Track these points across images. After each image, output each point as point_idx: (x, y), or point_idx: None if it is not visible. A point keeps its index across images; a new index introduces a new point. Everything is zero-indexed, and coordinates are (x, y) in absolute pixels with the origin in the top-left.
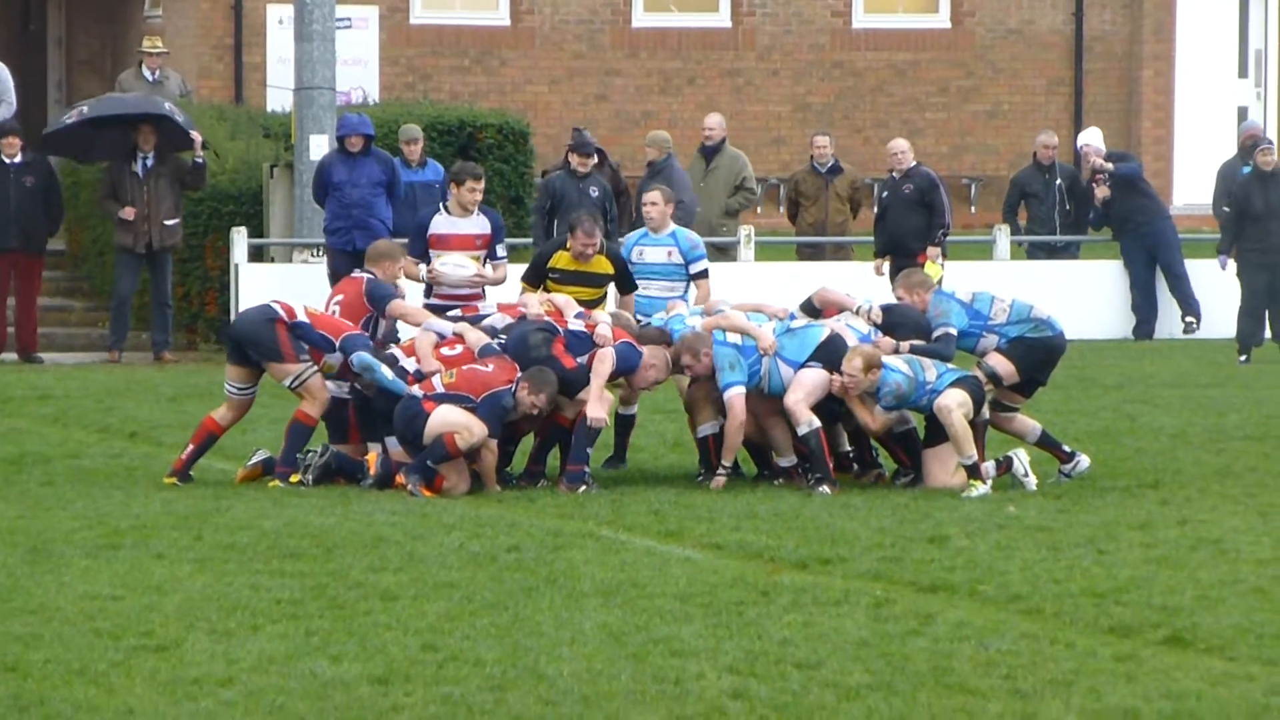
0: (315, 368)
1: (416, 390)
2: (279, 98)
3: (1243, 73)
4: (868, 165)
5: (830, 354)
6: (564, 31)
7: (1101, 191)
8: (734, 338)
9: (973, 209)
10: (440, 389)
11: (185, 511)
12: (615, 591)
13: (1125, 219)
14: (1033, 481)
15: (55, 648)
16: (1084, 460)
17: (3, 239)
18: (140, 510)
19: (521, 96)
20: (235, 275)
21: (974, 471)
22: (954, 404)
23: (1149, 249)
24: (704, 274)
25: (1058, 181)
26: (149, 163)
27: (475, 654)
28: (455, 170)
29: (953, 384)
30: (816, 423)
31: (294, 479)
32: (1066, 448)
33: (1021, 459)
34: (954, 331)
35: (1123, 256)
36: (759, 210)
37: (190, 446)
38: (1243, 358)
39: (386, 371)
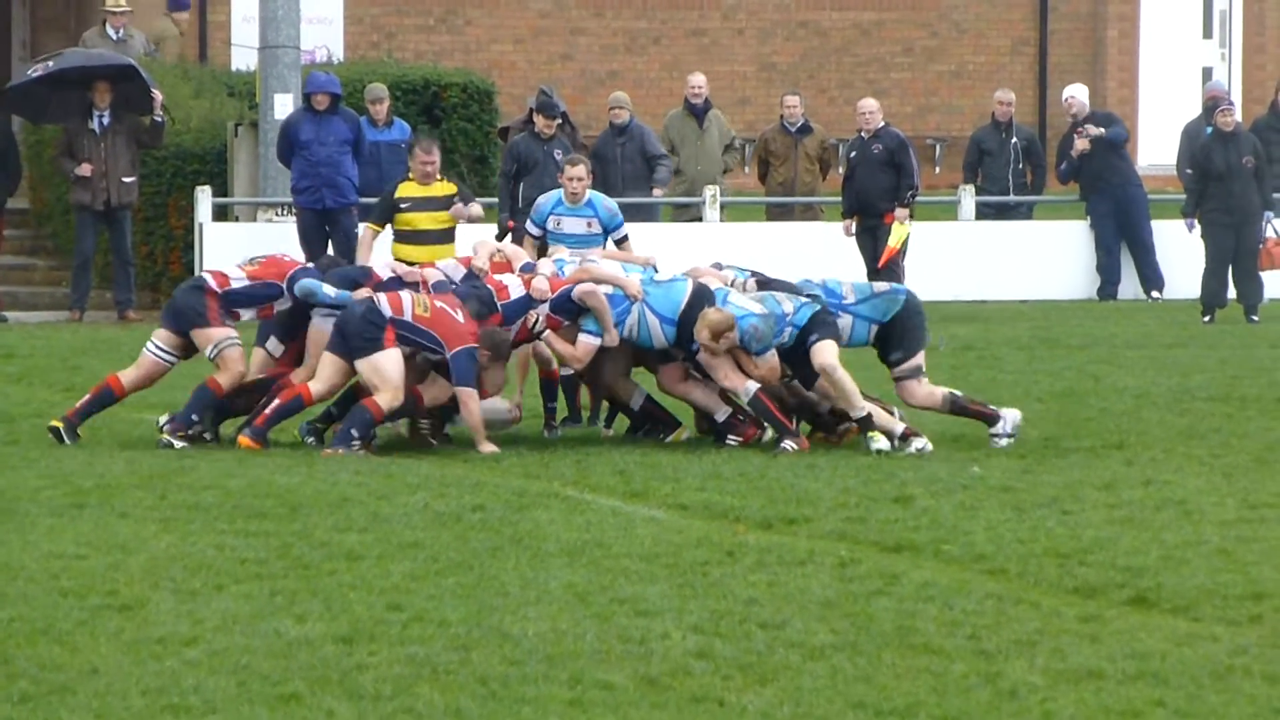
0: (234, 339)
1: (386, 307)
2: (243, 56)
3: (1207, 33)
4: (833, 126)
5: (700, 308)
6: None
7: (1081, 145)
8: (604, 288)
9: (937, 169)
10: (409, 316)
11: (150, 471)
12: (580, 551)
13: (1098, 178)
14: (1003, 442)
15: (19, 606)
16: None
17: None
18: (104, 469)
19: (486, 56)
20: (199, 234)
21: (866, 424)
22: (830, 361)
23: (1118, 213)
24: (625, 238)
25: (1014, 140)
26: (105, 120)
27: (440, 614)
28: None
29: (813, 327)
30: (753, 386)
31: (179, 440)
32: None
33: (1008, 418)
34: (821, 295)
35: (1089, 215)
36: (746, 170)
37: (86, 397)
38: (1206, 318)
39: (329, 289)
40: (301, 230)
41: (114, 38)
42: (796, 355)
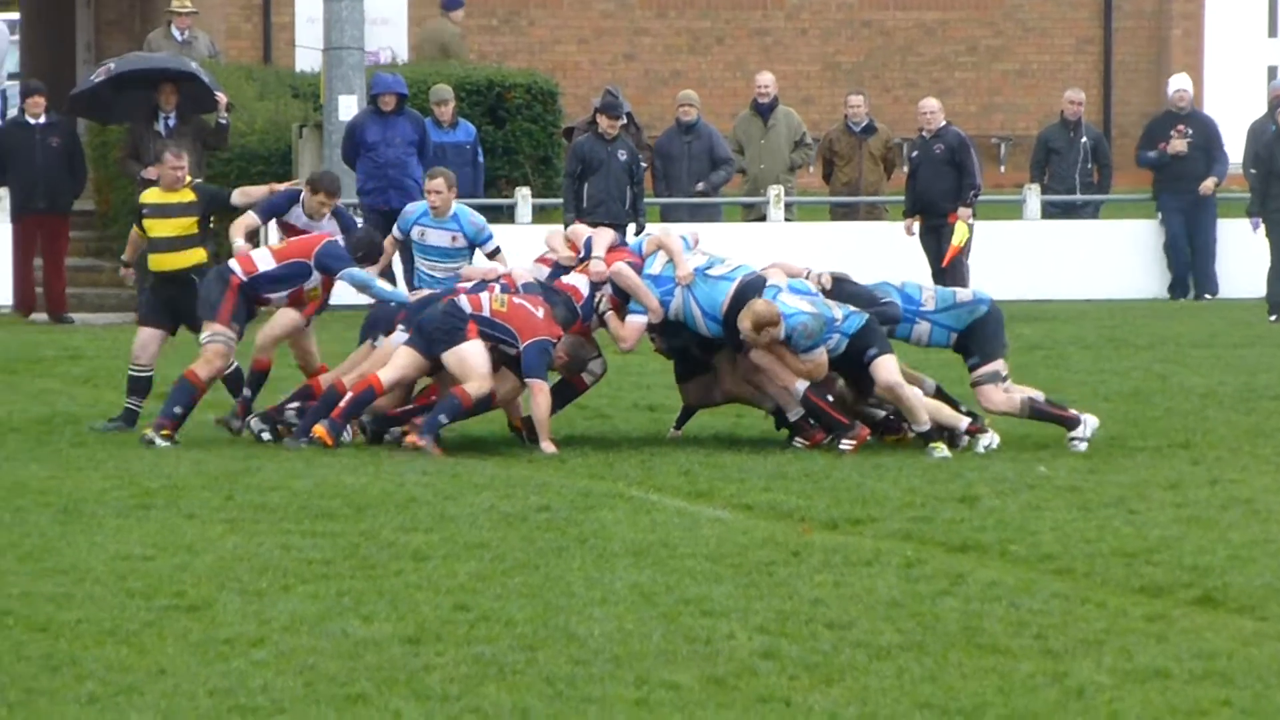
0: (228, 337)
1: (466, 304)
2: (307, 58)
3: (1272, 32)
4: (897, 125)
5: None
6: None
7: (1179, 145)
8: (661, 262)
9: (1002, 168)
10: (488, 312)
11: (216, 472)
12: (646, 552)
13: (1179, 179)
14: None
15: (87, 608)
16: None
17: (29, 200)
18: (171, 470)
19: (550, 56)
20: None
21: (930, 436)
22: (894, 379)
23: (1188, 215)
24: (497, 250)
25: (1083, 139)
26: (171, 122)
27: (506, 614)
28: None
29: (867, 339)
30: (803, 385)
31: (164, 433)
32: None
33: (1088, 423)
34: (898, 301)
35: (1161, 212)
36: (811, 169)
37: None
38: (1273, 317)
39: (383, 284)
40: None
41: (179, 39)
42: (850, 363)
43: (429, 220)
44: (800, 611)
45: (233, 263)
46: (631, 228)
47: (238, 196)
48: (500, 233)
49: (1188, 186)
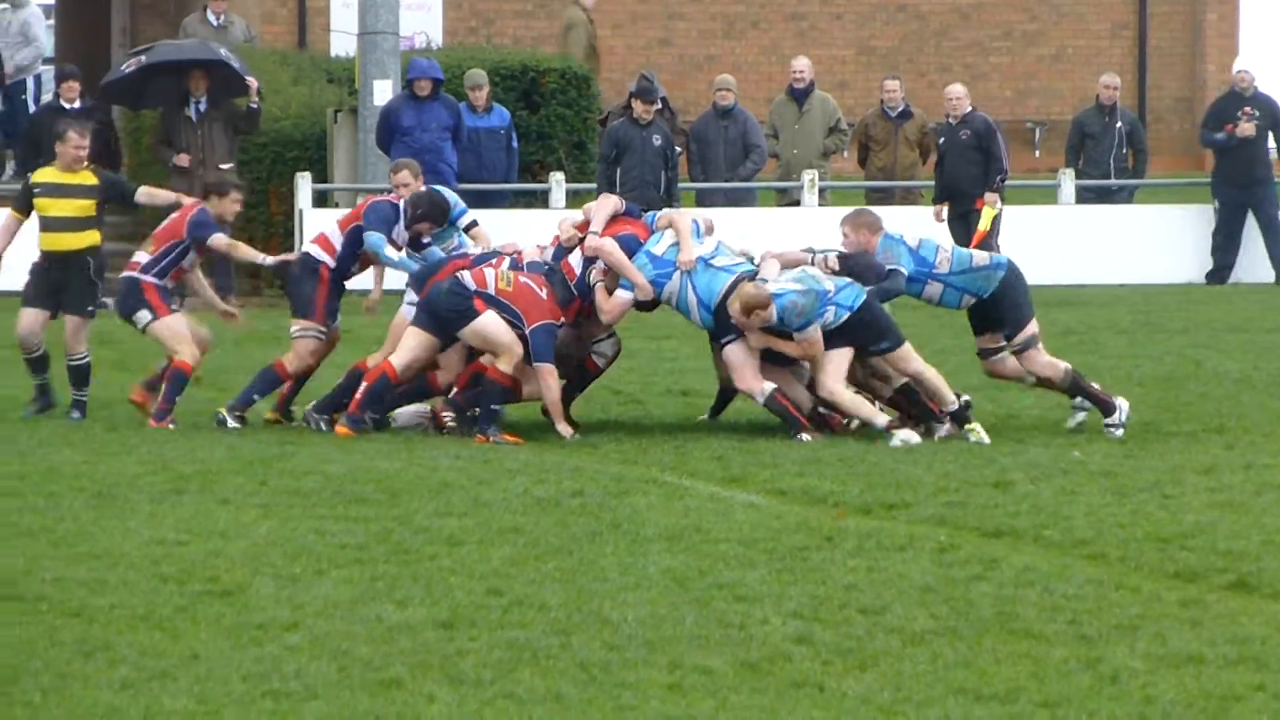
0: (318, 332)
1: (470, 281)
2: (342, 42)
3: None
4: (933, 109)
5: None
6: None
7: (1247, 129)
8: (667, 243)
9: (1037, 153)
10: (493, 290)
11: (250, 456)
12: (679, 537)
13: (1241, 162)
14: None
15: (120, 593)
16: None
17: None
18: (205, 455)
19: None
20: (299, 220)
21: (958, 416)
22: (917, 366)
23: (1249, 198)
24: (474, 224)
25: (1118, 124)
26: (202, 108)
27: (540, 598)
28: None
29: (869, 326)
30: (769, 388)
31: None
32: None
33: (1122, 408)
34: (904, 270)
35: (1216, 197)
36: (845, 154)
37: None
38: None
39: (390, 251)
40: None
41: (214, 24)
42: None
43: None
44: (834, 597)
45: (314, 248)
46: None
47: (143, 195)
48: (534, 218)
49: (1250, 173)
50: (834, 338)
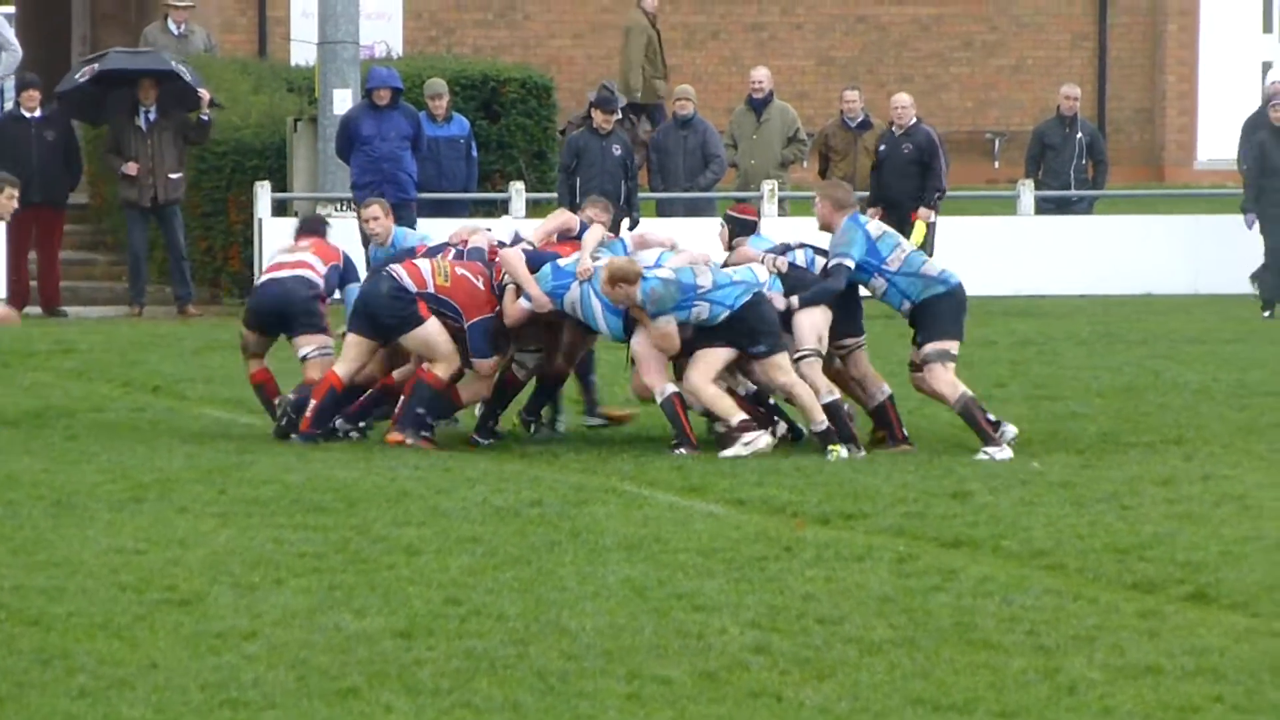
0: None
1: (409, 281)
2: (302, 52)
3: (1267, 28)
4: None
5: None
6: None
7: None
8: (570, 260)
9: (996, 164)
10: (432, 288)
11: (209, 465)
12: (638, 546)
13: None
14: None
15: (79, 601)
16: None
17: (25, 193)
18: (164, 464)
19: (545, 50)
20: (259, 229)
21: (825, 438)
22: (783, 374)
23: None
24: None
25: (1078, 135)
26: (151, 117)
27: (498, 608)
28: None
29: (753, 326)
30: (669, 389)
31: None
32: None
33: (1006, 433)
34: (849, 264)
35: (1262, 217)
36: (804, 165)
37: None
38: (1266, 313)
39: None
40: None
41: (175, 33)
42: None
43: (379, 253)
44: (792, 606)
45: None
46: (625, 222)
47: None
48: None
49: None
50: (712, 336)
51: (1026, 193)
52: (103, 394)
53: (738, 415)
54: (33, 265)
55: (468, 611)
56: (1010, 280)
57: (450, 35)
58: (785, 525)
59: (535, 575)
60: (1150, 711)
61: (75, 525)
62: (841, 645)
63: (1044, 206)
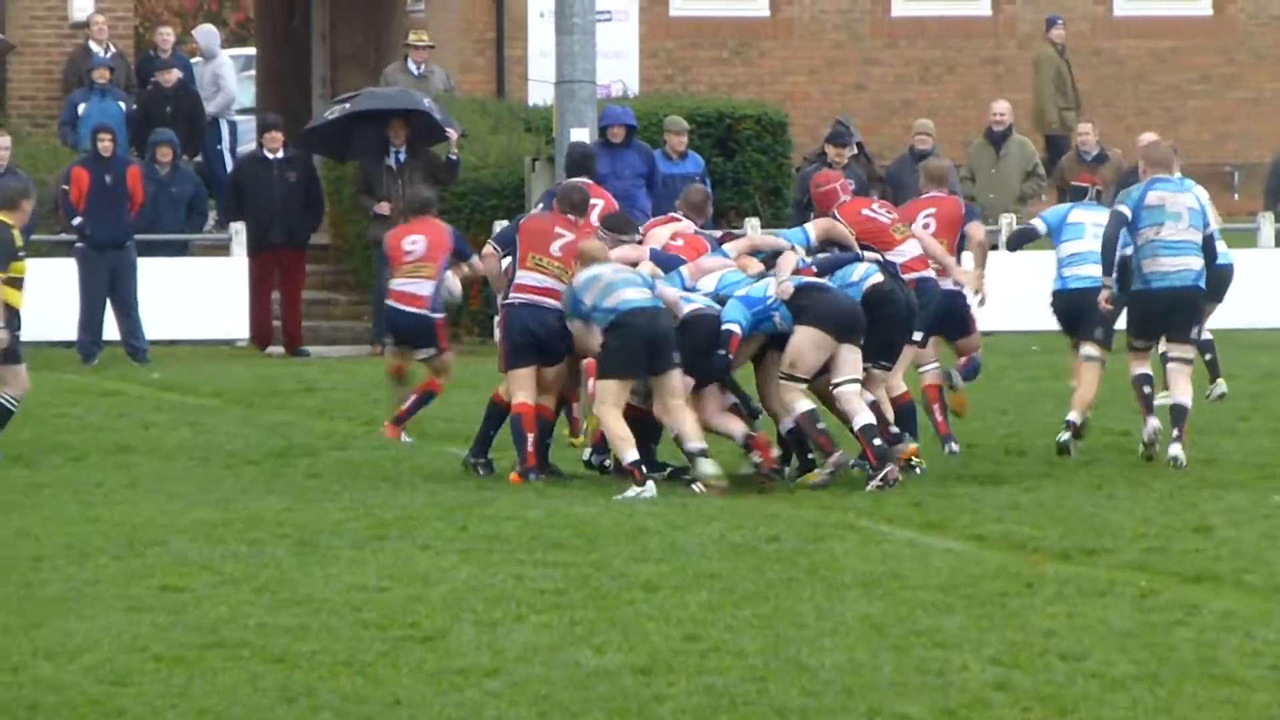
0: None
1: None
2: (540, 91)
3: None
4: (1130, 153)
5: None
6: (823, 21)
7: None
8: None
9: (1235, 196)
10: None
11: (450, 503)
12: (876, 583)
13: None
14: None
15: (322, 639)
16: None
17: (267, 234)
18: (406, 501)
19: (780, 87)
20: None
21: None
22: (672, 400)
23: None
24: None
25: None
26: (401, 157)
27: (737, 645)
28: None
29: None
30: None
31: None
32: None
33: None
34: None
35: None
36: (1043, 199)
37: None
38: None
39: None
40: None
41: (414, 73)
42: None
43: None
44: (1033, 643)
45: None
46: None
47: None
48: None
49: None
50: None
51: (1267, 225)
52: (345, 432)
53: (630, 455)
54: (276, 305)
55: (707, 648)
56: (1251, 313)
57: (686, 73)
58: (1025, 561)
59: (773, 612)
60: None
61: (318, 563)
62: (1084, 681)
63: None
